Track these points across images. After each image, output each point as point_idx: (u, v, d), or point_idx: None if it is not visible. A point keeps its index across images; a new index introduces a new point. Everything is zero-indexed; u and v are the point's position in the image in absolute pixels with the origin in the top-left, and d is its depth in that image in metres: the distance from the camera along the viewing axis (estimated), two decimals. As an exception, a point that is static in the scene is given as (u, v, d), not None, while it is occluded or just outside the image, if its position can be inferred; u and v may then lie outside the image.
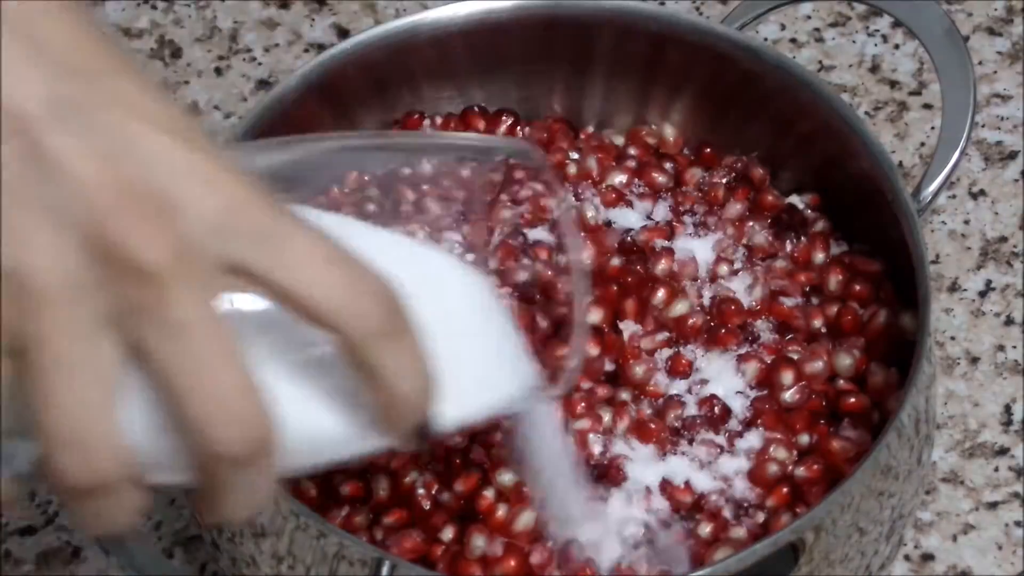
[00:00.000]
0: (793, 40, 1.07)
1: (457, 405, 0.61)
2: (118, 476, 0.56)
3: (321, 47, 1.06)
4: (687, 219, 0.86)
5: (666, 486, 0.77)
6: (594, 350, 0.80)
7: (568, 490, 0.73)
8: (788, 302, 0.83)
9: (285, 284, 0.55)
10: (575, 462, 0.74)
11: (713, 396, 0.79)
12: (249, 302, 0.57)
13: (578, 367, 0.71)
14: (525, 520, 0.75)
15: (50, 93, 0.53)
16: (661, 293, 0.82)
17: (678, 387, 0.80)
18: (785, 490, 0.76)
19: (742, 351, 0.81)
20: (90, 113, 0.54)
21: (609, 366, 0.81)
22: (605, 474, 0.77)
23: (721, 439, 0.78)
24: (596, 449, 0.77)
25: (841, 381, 0.80)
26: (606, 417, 0.78)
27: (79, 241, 0.53)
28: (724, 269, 0.84)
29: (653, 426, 0.78)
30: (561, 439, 0.73)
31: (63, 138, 0.53)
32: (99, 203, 0.53)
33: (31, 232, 0.53)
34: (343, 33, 1.07)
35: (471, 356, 0.63)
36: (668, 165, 0.89)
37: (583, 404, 0.78)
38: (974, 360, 0.92)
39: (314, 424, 0.60)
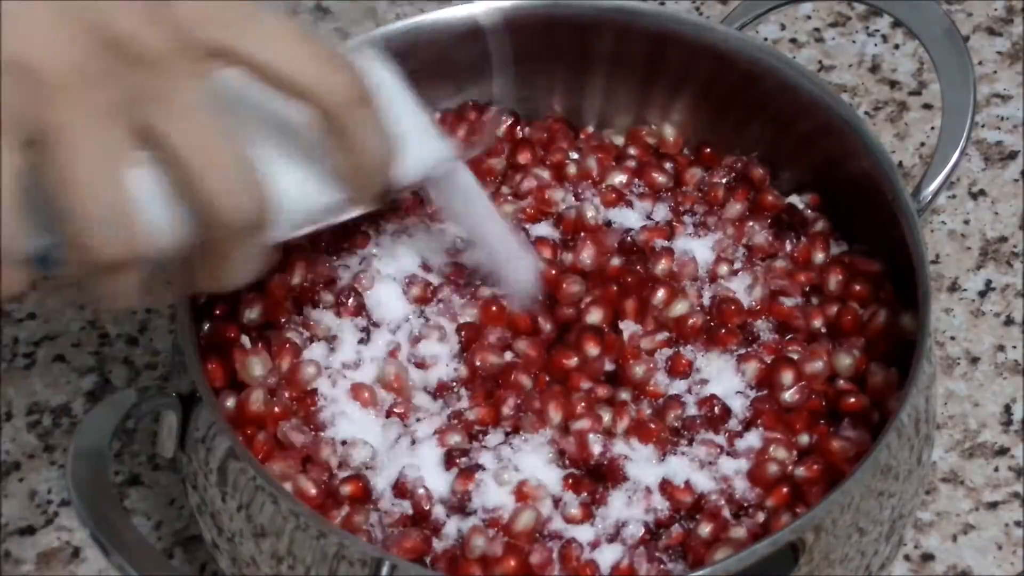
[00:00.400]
0: (793, 40, 1.07)
1: (407, 166, 0.72)
2: (135, 251, 0.62)
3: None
4: (687, 219, 0.86)
5: (666, 486, 0.76)
6: (594, 350, 0.80)
7: (501, 239, 0.81)
8: (788, 302, 0.83)
9: (267, 61, 0.63)
10: (497, 215, 0.81)
11: (713, 396, 0.79)
12: (233, 83, 0.65)
13: (494, 130, 0.85)
14: (525, 520, 0.75)
15: None
16: (661, 293, 0.82)
17: (678, 387, 0.80)
18: (785, 490, 0.76)
19: (742, 351, 0.81)
20: None
21: (609, 366, 0.81)
22: (605, 474, 0.77)
23: (721, 439, 0.78)
24: (596, 449, 0.77)
25: (841, 381, 0.80)
26: (606, 417, 0.78)
27: (85, 34, 0.59)
28: (724, 269, 0.84)
29: (653, 426, 0.78)
30: (484, 196, 0.81)
31: None
32: None
33: (40, 27, 0.59)
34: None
35: (408, 130, 0.73)
36: (668, 165, 0.89)
37: (583, 404, 0.78)
38: (974, 360, 0.92)
39: (296, 191, 0.69)
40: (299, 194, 0.69)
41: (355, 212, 0.73)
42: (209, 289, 0.70)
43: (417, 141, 0.74)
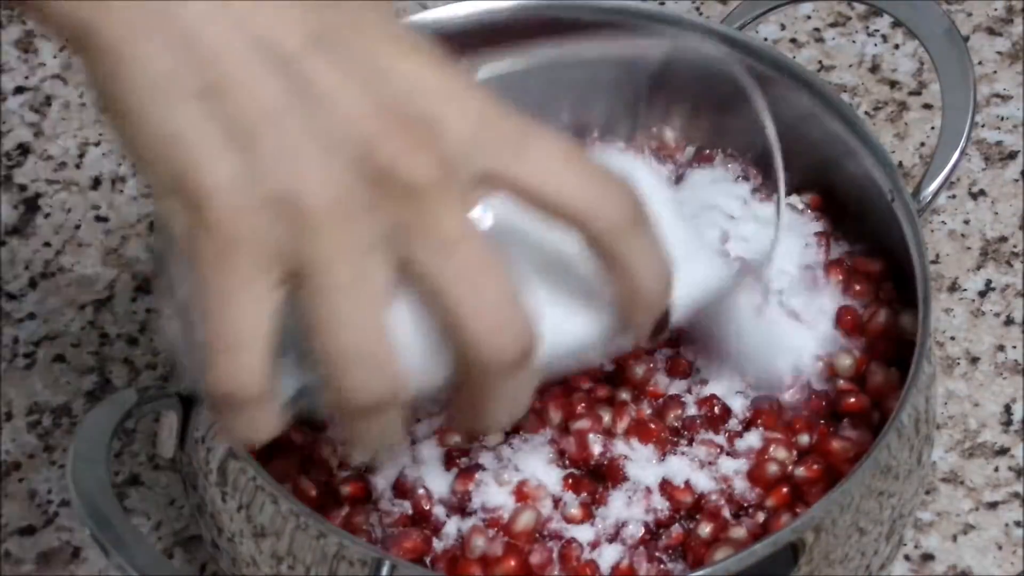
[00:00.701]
0: (793, 40, 1.07)
1: (685, 296, 0.66)
2: (395, 393, 0.59)
3: (321, 47, 1.06)
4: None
5: (666, 486, 0.76)
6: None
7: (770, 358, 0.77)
8: (787, 302, 0.82)
9: (537, 185, 0.59)
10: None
11: (713, 396, 0.79)
12: (499, 212, 0.61)
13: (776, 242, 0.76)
14: (525, 520, 0.75)
15: (307, 27, 0.56)
16: (661, 293, 0.82)
17: (678, 387, 0.80)
18: (785, 490, 0.76)
19: (742, 351, 0.81)
20: (346, 42, 0.57)
21: (609, 366, 0.81)
22: (605, 474, 0.77)
23: (721, 439, 0.78)
24: (596, 449, 0.77)
25: (841, 381, 0.80)
26: (606, 417, 0.78)
27: (348, 165, 0.56)
28: (724, 269, 0.84)
29: (653, 426, 0.78)
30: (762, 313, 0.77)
31: (325, 68, 0.56)
32: (365, 128, 0.56)
33: (304, 160, 0.56)
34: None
35: (686, 253, 0.67)
36: (668, 166, 0.89)
37: (583, 404, 0.78)
38: (974, 360, 0.92)
39: (562, 327, 0.63)
40: (568, 328, 0.64)
41: (626, 345, 0.68)
42: (471, 429, 0.68)
43: (696, 262, 0.68)
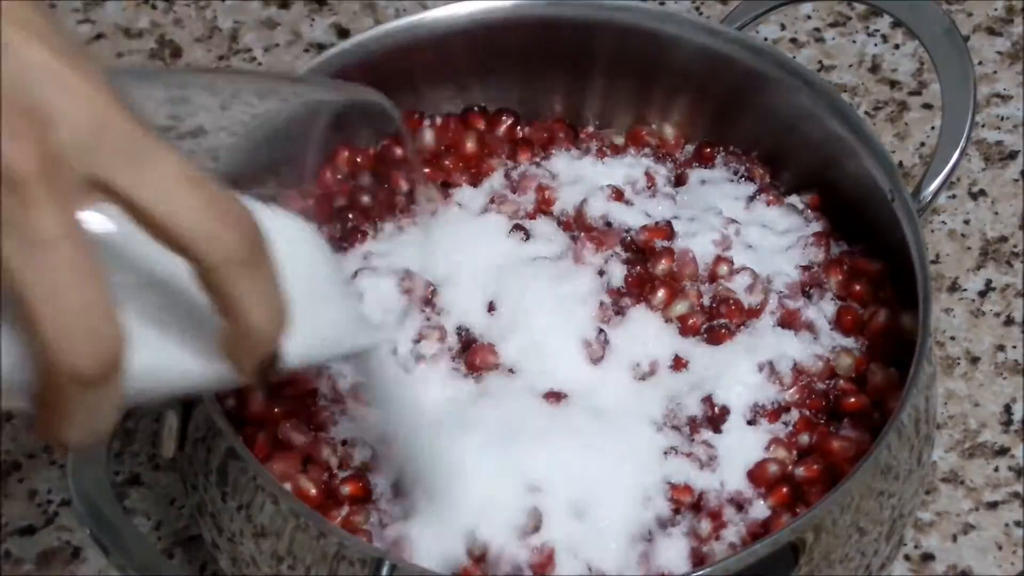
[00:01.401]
0: (793, 40, 1.07)
1: (301, 344, 0.61)
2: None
3: (321, 47, 1.06)
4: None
5: (666, 486, 0.76)
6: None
7: (415, 437, 0.74)
8: (788, 302, 0.83)
9: (148, 204, 0.55)
10: (419, 407, 0.75)
11: (713, 396, 0.79)
12: (108, 221, 0.56)
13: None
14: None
15: None
16: (661, 293, 0.82)
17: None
18: (785, 490, 0.76)
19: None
20: None
21: (609, 366, 0.81)
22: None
23: (721, 438, 0.78)
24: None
25: (841, 381, 0.80)
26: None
27: None
28: (724, 269, 0.84)
29: (653, 426, 0.78)
30: (403, 380, 0.74)
31: None
32: None
33: None
34: (343, 33, 1.07)
35: (315, 303, 0.64)
36: (668, 165, 0.89)
37: (583, 404, 0.78)
38: (974, 360, 0.92)
39: (162, 351, 0.60)
40: (169, 356, 0.60)
41: (231, 385, 0.63)
42: (48, 441, 0.62)
43: (326, 315, 0.66)
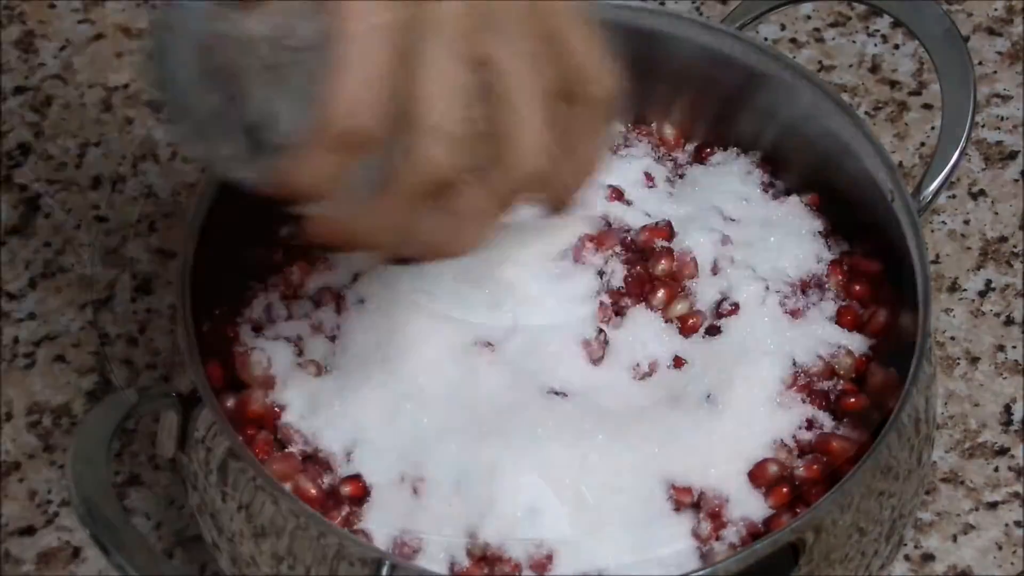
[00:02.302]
0: (793, 40, 1.07)
1: None
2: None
3: (321, 47, 1.06)
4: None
5: (666, 486, 0.76)
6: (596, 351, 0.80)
7: None
8: (788, 302, 0.82)
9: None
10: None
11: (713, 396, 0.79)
12: None
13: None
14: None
15: None
16: (661, 293, 0.82)
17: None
18: (785, 490, 0.76)
19: (742, 351, 0.81)
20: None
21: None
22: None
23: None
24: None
25: (841, 381, 0.80)
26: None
27: None
28: (724, 269, 0.83)
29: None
30: None
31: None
32: None
33: None
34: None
35: None
36: (668, 164, 0.89)
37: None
38: (974, 360, 0.92)
39: None
40: None
41: None
42: (280, 185, 0.66)
43: None
